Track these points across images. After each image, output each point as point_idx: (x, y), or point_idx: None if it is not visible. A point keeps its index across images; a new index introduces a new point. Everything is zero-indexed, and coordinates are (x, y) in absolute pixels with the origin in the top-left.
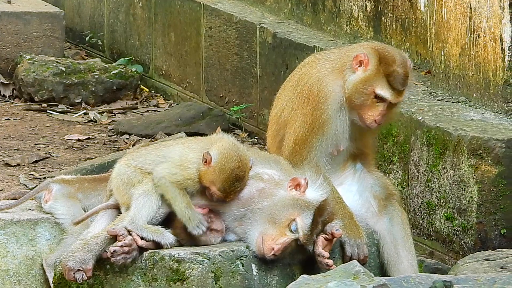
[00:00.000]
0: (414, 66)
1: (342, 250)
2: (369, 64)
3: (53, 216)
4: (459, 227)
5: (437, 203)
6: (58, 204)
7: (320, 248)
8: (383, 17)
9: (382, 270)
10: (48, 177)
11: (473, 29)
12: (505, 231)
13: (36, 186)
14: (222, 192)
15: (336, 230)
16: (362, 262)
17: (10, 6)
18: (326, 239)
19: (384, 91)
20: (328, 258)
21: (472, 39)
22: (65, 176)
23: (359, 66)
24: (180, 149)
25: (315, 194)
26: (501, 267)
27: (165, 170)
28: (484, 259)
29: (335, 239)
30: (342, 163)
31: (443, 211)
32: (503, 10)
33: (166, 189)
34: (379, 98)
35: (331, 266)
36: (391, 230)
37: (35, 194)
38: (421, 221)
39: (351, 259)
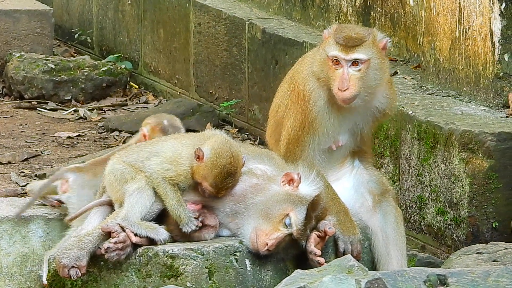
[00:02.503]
0: (403, 60)
1: (335, 246)
2: (327, 38)
3: (66, 205)
4: (450, 220)
5: (429, 197)
6: (73, 197)
7: (313, 245)
8: (372, 12)
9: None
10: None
11: (463, 23)
12: (496, 224)
13: (27, 183)
14: (214, 187)
15: (329, 228)
16: (356, 259)
17: None
18: (318, 236)
19: (332, 50)
20: (320, 256)
21: (461, 33)
22: (79, 165)
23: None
24: (173, 145)
25: (308, 189)
26: (494, 260)
27: (158, 166)
28: (476, 253)
29: (327, 236)
30: (341, 159)
31: (434, 205)
32: (492, 3)
33: (158, 184)
34: (334, 61)
35: (323, 264)
36: (384, 228)
37: (50, 184)
38: (412, 215)
39: (344, 255)
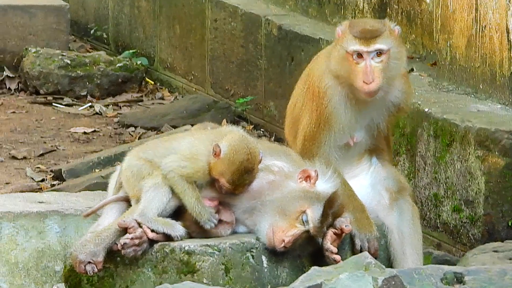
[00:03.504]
0: (419, 58)
1: (352, 243)
2: (342, 34)
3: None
4: (466, 218)
5: (444, 194)
6: None
7: (329, 242)
8: (388, 9)
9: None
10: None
11: (479, 20)
12: None
13: (43, 179)
14: (231, 184)
15: (345, 226)
16: (373, 257)
17: (15, 0)
18: (335, 233)
19: (351, 44)
20: (336, 253)
21: (478, 30)
22: None
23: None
24: (190, 142)
25: (325, 186)
26: (510, 259)
27: (174, 163)
28: (492, 251)
29: (344, 234)
30: (357, 156)
31: (450, 203)
32: (509, 1)
33: (175, 183)
34: (356, 55)
35: (339, 261)
36: (400, 226)
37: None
38: (428, 213)
39: (361, 252)
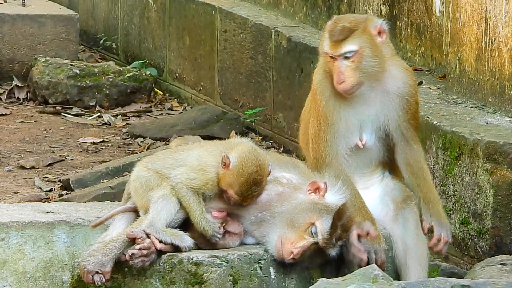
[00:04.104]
0: (429, 70)
1: None
2: (324, 32)
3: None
4: (474, 231)
5: (453, 207)
6: None
7: (356, 240)
8: (398, 21)
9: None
10: (60, 180)
11: (489, 33)
12: None
13: (51, 189)
14: (239, 195)
15: (373, 231)
16: (380, 268)
17: (24, 9)
18: (359, 235)
19: (324, 46)
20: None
21: (487, 43)
22: None
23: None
24: (198, 153)
25: (334, 198)
26: None
27: (183, 175)
28: (500, 264)
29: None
30: (370, 166)
31: (458, 216)
32: None
33: (182, 195)
34: (329, 56)
35: (365, 262)
36: (404, 237)
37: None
38: None
39: (368, 264)
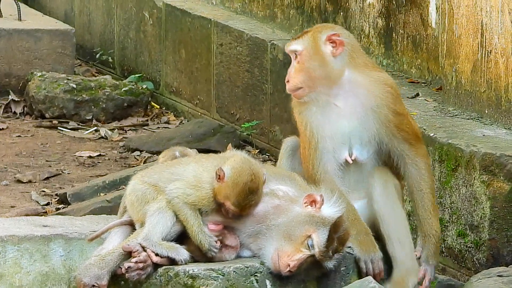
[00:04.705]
0: (425, 82)
1: (358, 267)
2: None
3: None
4: (471, 243)
5: (449, 219)
6: None
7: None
8: (394, 34)
9: None
10: (57, 194)
11: (485, 45)
12: None
13: (48, 202)
14: (237, 206)
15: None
16: (379, 277)
17: (21, 24)
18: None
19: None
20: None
21: (483, 55)
22: None
23: None
24: (194, 169)
25: (330, 211)
26: None
27: (179, 190)
28: (497, 275)
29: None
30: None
31: (455, 228)
32: None
33: (179, 210)
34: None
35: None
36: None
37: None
38: None
39: (366, 274)
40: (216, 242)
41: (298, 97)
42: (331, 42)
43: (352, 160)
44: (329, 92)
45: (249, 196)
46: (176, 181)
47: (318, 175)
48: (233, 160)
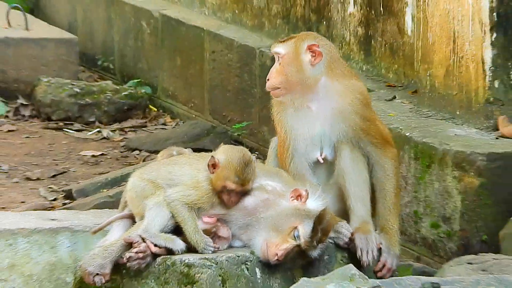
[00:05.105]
0: (401, 86)
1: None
2: None
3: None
4: (443, 234)
5: (424, 211)
6: None
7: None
8: (373, 41)
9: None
10: (63, 190)
11: (457, 51)
12: (486, 237)
13: (55, 198)
14: (238, 182)
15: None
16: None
17: (28, 33)
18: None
19: None
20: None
21: (455, 61)
22: None
23: None
24: (190, 173)
25: (315, 204)
26: (483, 270)
27: (179, 193)
28: (467, 263)
29: None
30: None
31: (429, 219)
32: (484, 34)
33: (177, 212)
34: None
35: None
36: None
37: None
38: (408, 229)
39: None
40: (210, 242)
41: (275, 96)
42: (311, 51)
43: (323, 159)
44: (305, 96)
45: (245, 168)
46: (175, 186)
47: (291, 171)
48: (221, 148)
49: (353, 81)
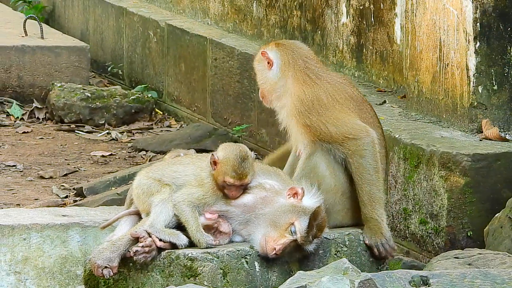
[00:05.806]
0: (391, 91)
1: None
2: None
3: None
4: (431, 230)
5: (412, 209)
6: None
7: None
8: (364, 49)
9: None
10: (75, 188)
11: (443, 59)
12: (471, 233)
13: (67, 195)
14: (236, 176)
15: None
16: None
17: (43, 41)
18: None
19: None
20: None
21: (441, 68)
22: None
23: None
24: (193, 172)
25: (310, 201)
26: (469, 264)
27: (184, 195)
28: (454, 257)
29: None
30: None
31: (417, 216)
32: (468, 43)
33: (181, 211)
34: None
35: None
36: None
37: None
38: (398, 225)
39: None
40: (211, 240)
41: (265, 103)
42: (265, 58)
43: (298, 155)
44: (276, 99)
45: (242, 163)
46: (180, 185)
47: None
48: (220, 146)
49: (302, 85)
